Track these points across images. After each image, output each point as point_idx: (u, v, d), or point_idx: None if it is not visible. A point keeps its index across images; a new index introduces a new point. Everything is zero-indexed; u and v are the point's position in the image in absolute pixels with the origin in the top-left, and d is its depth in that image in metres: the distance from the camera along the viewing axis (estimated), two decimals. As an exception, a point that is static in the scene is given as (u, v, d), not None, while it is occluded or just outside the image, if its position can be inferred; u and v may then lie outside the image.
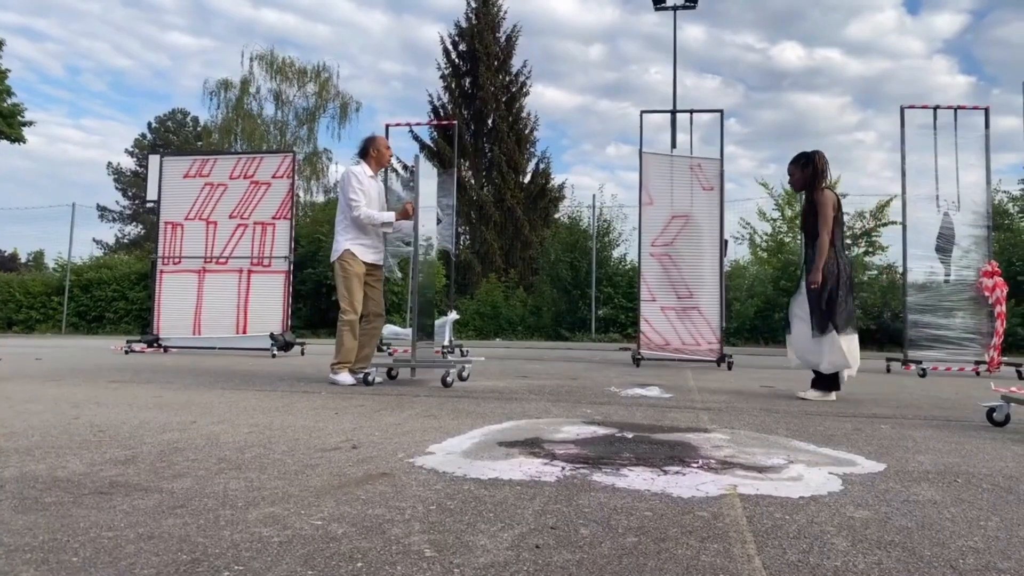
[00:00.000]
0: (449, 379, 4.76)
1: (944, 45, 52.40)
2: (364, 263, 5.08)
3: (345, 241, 5.05)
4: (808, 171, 4.62)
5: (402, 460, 2.31)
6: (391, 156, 5.30)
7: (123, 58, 62.59)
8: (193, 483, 1.95)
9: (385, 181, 7.39)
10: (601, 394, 4.53)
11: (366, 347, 5.15)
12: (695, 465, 2.30)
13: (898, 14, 51.90)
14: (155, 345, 8.70)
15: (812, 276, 4.44)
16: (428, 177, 5.18)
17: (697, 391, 4.87)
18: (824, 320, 4.42)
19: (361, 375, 4.87)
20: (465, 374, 5.29)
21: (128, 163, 44.60)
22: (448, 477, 2.07)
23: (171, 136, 44.75)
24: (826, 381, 4.49)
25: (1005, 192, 15.40)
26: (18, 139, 21.23)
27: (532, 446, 2.59)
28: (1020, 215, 15.78)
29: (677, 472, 2.19)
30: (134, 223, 43.90)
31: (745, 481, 2.08)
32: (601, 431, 2.97)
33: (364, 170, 5.09)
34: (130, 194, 44.02)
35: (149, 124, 46.18)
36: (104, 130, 67.21)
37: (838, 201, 4.58)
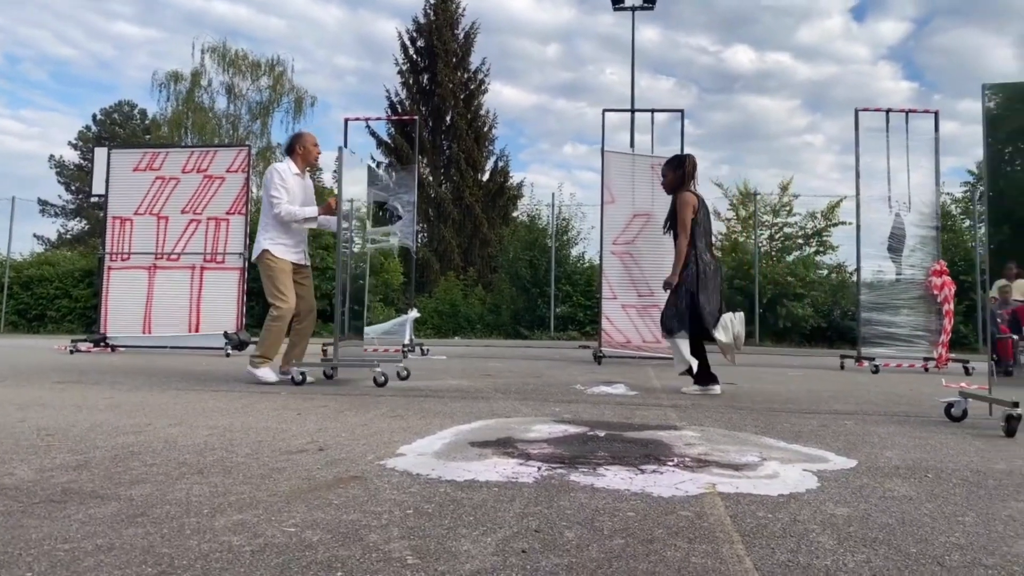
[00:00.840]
0: (380, 380, 4.63)
1: (888, 51, 54.02)
2: (287, 260, 4.95)
3: (264, 241, 4.92)
4: (679, 173, 4.76)
5: (372, 462, 2.23)
6: (319, 154, 5.19)
7: (66, 47, 60.33)
8: (153, 489, 1.85)
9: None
10: (567, 392, 4.50)
11: (298, 345, 5.04)
12: (671, 463, 2.28)
13: (845, 20, 53.32)
14: (102, 344, 8.37)
15: (668, 278, 4.65)
16: (352, 170, 5.08)
17: (661, 388, 4.89)
18: (668, 321, 4.61)
19: (291, 374, 4.75)
20: (404, 373, 5.20)
21: (71, 156, 43.04)
22: (422, 479, 2.01)
23: (118, 129, 43.33)
24: (703, 376, 4.60)
25: (948, 194, 15.94)
26: (-47, 129, 20.24)
27: (505, 446, 2.54)
28: (962, 217, 16.35)
29: (654, 471, 2.16)
30: (78, 218, 42.39)
31: (723, 479, 2.07)
32: (573, 430, 2.93)
33: (289, 167, 5.00)
34: (74, 188, 42.51)
35: (94, 116, 44.61)
36: (45, 121, 64.62)
37: (699, 203, 4.68)
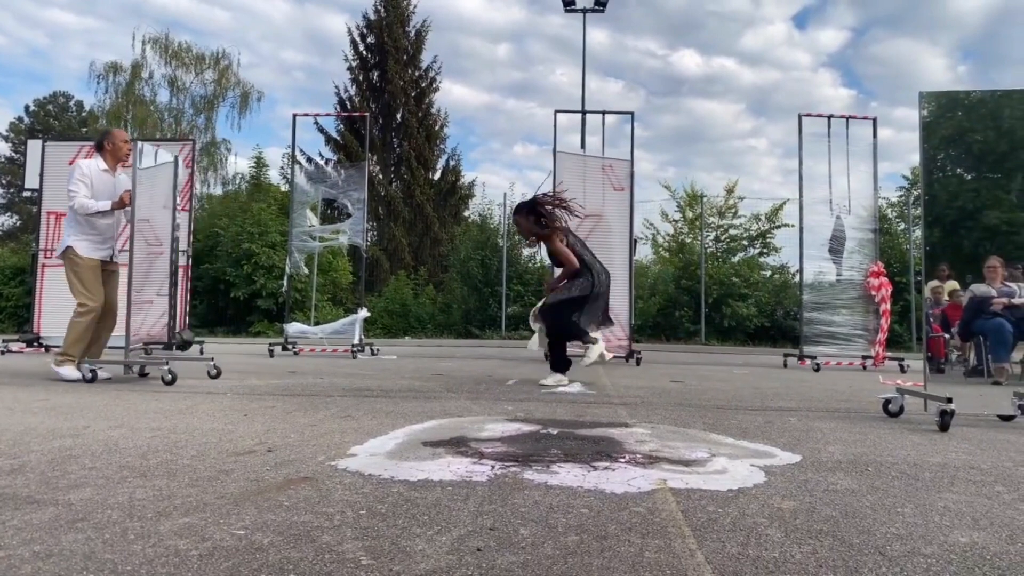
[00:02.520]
0: (168, 378, 4.56)
1: (828, 59, 55.71)
2: (92, 258, 4.93)
3: (70, 238, 4.89)
4: (532, 218, 5.00)
5: (323, 463, 2.20)
6: (129, 150, 5.12)
7: (-5, 34, 57.67)
8: (93, 493, 1.78)
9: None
10: (519, 391, 4.52)
11: (95, 343, 4.99)
12: (623, 460, 2.31)
13: (787, 28, 54.78)
14: (35, 345, 8.03)
15: (552, 282, 5.27)
16: (150, 162, 5.05)
17: (611, 386, 4.94)
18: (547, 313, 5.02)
19: (86, 371, 4.68)
20: (214, 372, 5.11)
21: (2, 148, 41.19)
22: (375, 480, 1.99)
23: (52, 121, 41.64)
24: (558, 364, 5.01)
25: (885, 198, 16.53)
26: None
27: (459, 445, 2.53)
28: (898, 220, 16.99)
29: (606, 468, 2.18)
30: (8, 213, 40.58)
31: (673, 475, 2.10)
32: (526, 428, 2.94)
33: (96, 164, 4.98)
34: (5, 182, 40.69)
35: (27, 107, 42.74)
36: (-29, 111, 61.68)
37: (564, 231, 5.05)
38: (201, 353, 8.14)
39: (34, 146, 8.81)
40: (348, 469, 2.11)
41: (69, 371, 4.73)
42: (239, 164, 32.45)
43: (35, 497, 1.74)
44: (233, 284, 15.01)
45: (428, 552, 1.38)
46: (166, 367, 4.60)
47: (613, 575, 1.29)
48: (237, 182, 26.14)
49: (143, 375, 5.07)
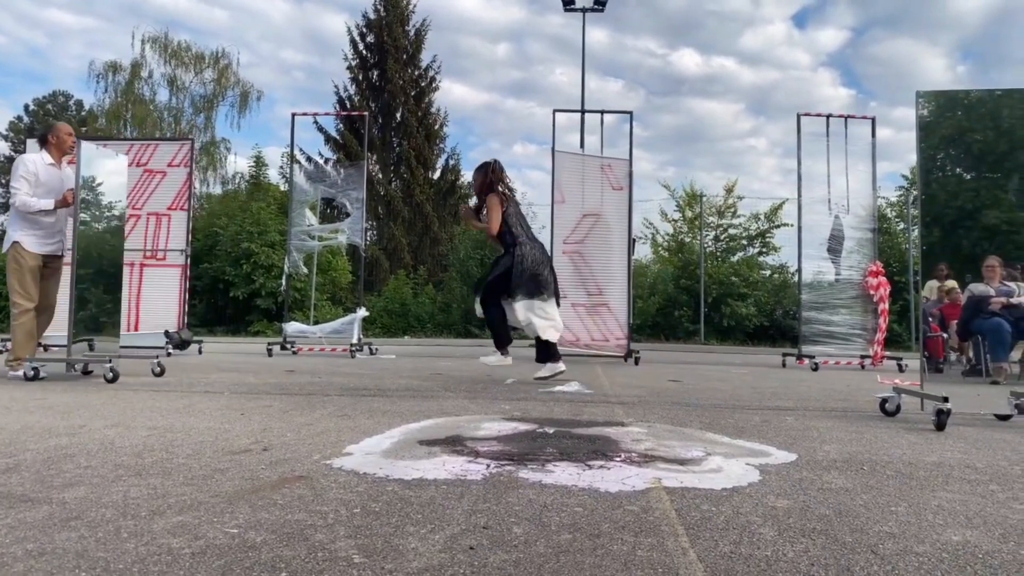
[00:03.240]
0: (110, 376, 4.60)
1: (828, 59, 55.66)
2: (39, 255, 4.94)
3: (14, 232, 4.92)
4: (486, 179, 5.20)
5: (319, 462, 2.20)
6: (73, 143, 5.16)
7: (-6, 33, 57.65)
8: (88, 492, 1.78)
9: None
10: (516, 390, 4.52)
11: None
12: (618, 459, 2.31)
13: (787, 27, 54.72)
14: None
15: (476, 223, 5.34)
16: (92, 162, 5.04)
17: (609, 386, 4.94)
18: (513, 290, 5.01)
19: (28, 368, 4.69)
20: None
21: (1, 147, 41.19)
22: (370, 478, 1.99)
23: (51, 119, 41.63)
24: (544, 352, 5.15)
25: (884, 198, 16.54)
26: None
27: (454, 444, 2.53)
28: (897, 220, 17.00)
29: (601, 466, 2.19)
30: (6, 212, 40.61)
31: (668, 474, 2.10)
32: (522, 427, 2.94)
33: (41, 158, 5.01)
34: (4, 181, 40.70)
35: (26, 106, 42.76)
36: (-29, 111, 61.62)
37: (508, 200, 5.16)
38: (200, 353, 8.14)
39: (33, 146, 8.79)
40: (343, 468, 2.11)
41: (24, 371, 4.76)
42: (238, 163, 32.46)
43: (29, 496, 1.74)
44: (232, 283, 15.02)
45: (421, 550, 1.39)
46: (108, 364, 4.63)
47: (605, 573, 1.29)
48: (236, 181, 26.16)
49: (86, 373, 5.08)
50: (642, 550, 1.41)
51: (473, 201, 5.37)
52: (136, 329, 8.00)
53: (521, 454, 2.36)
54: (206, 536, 1.45)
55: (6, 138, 41.76)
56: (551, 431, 2.86)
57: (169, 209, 8.24)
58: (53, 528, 1.48)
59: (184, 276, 8.17)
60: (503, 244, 5.11)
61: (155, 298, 8.09)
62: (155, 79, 26.75)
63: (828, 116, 8.22)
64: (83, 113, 38.23)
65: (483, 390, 4.49)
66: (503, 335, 5.15)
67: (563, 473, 2.08)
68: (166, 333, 7.81)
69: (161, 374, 5.13)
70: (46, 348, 5.02)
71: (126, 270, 8.09)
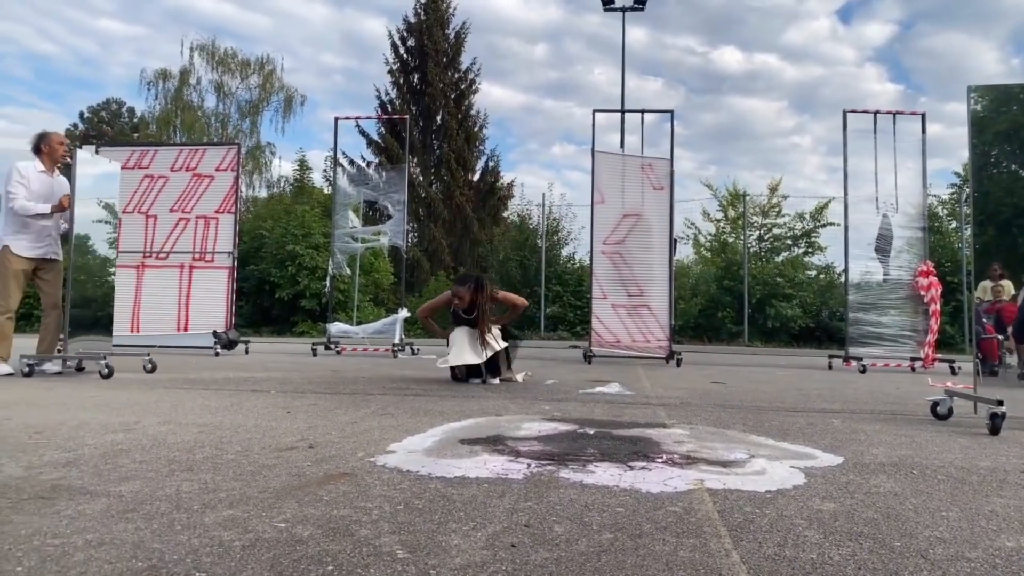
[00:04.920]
0: (105, 371, 4.82)
1: (874, 53, 54.27)
2: (25, 258, 5.11)
3: (4, 237, 5.09)
4: (479, 295, 5.02)
5: (363, 459, 2.24)
6: (64, 152, 5.36)
7: (48, 44, 59.75)
8: (142, 486, 1.84)
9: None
10: (557, 390, 4.52)
11: (44, 340, 5.23)
12: (660, 460, 2.30)
13: (831, 22, 53.52)
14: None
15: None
16: (88, 167, 5.29)
17: (650, 388, 4.91)
18: None
19: (23, 365, 4.94)
20: (149, 366, 5.31)
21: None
22: (413, 476, 2.02)
23: (105, 127, 43.03)
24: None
25: (935, 196, 16.07)
26: (-62, 126, 20.07)
27: (495, 443, 2.55)
28: (949, 218, 16.50)
29: (643, 468, 2.18)
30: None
31: (711, 476, 2.08)
32: (563, 428, 2.95)
33: (34, 166, 5.20)
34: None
35: (81, 114, 44.29)
36: (28, 119, 63.92)
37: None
38: (247, 353, 8.33)
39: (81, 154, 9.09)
40: (387, 465, 2.14)
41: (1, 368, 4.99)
42: (283, 167, 33.11)
43: (88, 488, 1.81)
44: (278, 285, 15.30)
45: (463, 547, 1.40)
46: (103, 361, 4.85)
47: (647, 573, 1.29)
48: (281, 185, 26.65)
49: (79, 369, 5.29)
50: (684, 551, 1.41)
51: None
52: (186, 329, 8.23)
53: (562, 454, 2.37)
54: (255, 530, 1.49)
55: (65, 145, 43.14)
56: (592, 432, 2.86)
57: (217, 212, 8.45)
58: (111, 520, 1.54)
59: (231, 277, 8.37)
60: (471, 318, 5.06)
61: (204, 299, 8.30)
62: (203, 86, 27.44)
63: (875, 112, 8.03)
64: (135, 120, 39.42)
65: (523, 391, 4.50)
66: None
67: (604, 473, 2.08)
68: (214, 333, 8.01)
69: (152, 371, 5.29)
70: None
71: (176, 272, 8.35)
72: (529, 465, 2.18)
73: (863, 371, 7.15)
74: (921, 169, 8.00)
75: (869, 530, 1.57)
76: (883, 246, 7.87)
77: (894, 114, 8.01)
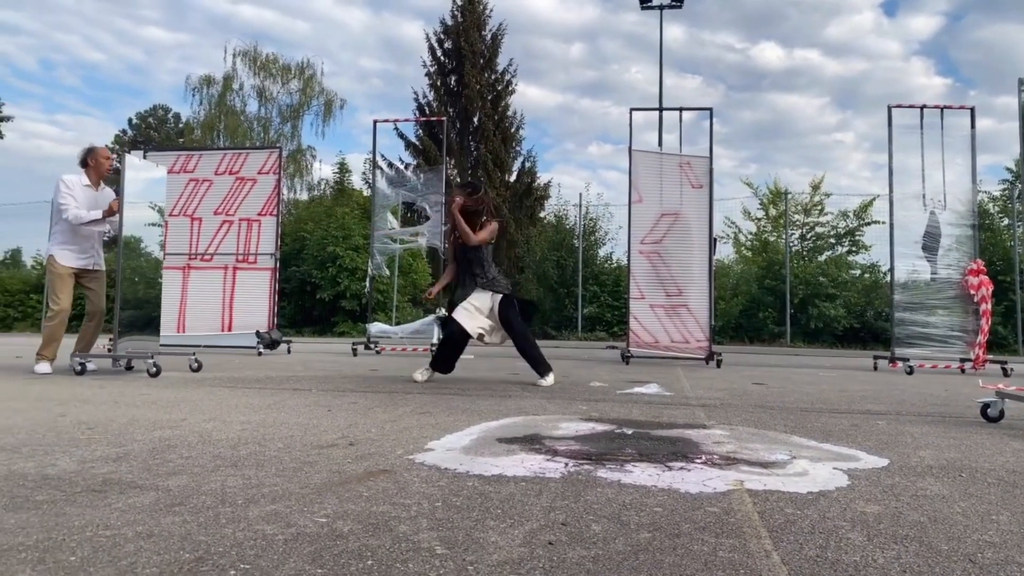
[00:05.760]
0: (152, 370, 4.98)
1: (921, 47, 52.93)
2: (69, 267, 5.34)
3: (52, 247, 5.39)
4: (482, 200, 5.04)
5: (402, 457, 2.26)
6: (110, 167, 5.57)
7: (97, 52, 61.67)
8: (189, 480, 1.90)
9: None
10: (595, 391, 4.50)
11: (83, 340, 5.43)
12: (699, 461, 2.28)
13: (875, 15, 52.34)
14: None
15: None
16: (136, 172, 5.48)
17: (689, 388, 4.86)
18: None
19: (76, 363, 5.14)
20: (195, 365, 5.46)
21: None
22: (451, 474, 2.03)
23: (152, 132, 44.23)
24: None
25: (985, 192, 15.60)
26: (-5, 134, 20.87)
27: (532, 442, 2.55)
28: (1001, 215, 15.98)
29: (682, 468, 2.16)
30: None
31: (751, 476, 2.06)
32: (600, 427, 2.94)
33: (80, 179, 5.38)
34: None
35: (130, 120, 45.64)
36: (79, 126, 66.23)
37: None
38: (288, 352, 8.47)
39: (131, 159, 9.37)
40: (425, 463, 2.16)
41: (42, 367, 5.20)
42: (323, 170, 33.58)
43: (137, 482, 1.86)
44: (319, 286, 15.55)
45: (501, 544, 1.41)
46: (151, 360, 5.02)
47: (685, 572, 1.28)
48: (322, 188, 27.05)
49: (129, 368, 5.47)
50: (723, 551, 1.39)
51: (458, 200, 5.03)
52: (229, 329, 8.41)
53: (599, 454, 2.36)
54: (297, 524, 1.52)
55: (112, 150, 44.48)
56: (630, 432, 2.85)
57: (259, 215, 8.62)
58: (159, 512, 1.58)
59: (274, 279, 8.54)
60: (469, 266, 5.00)
61: (247, 300, 8.48)
62: (245, 91, 27.99)
63: (922, 107, 7.82)
64: (180, 125, 40.43)
65: (560, 390, 4.50)
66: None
67: (642, 473, 2.07)
68: (257, 333, 8.17)
69: (198, 370, 5.44)
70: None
71: (220, 273, 8.54)
72: (566, 464, 2.18)
73: (910, 372, 6.98)
74: (971, 165, 7.77)
75: (915, 533, 1.54)
76: (931, 244, 7.66)
77: (942, 108, 7.80)
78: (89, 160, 5.44)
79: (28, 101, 63.75)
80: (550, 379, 4.82)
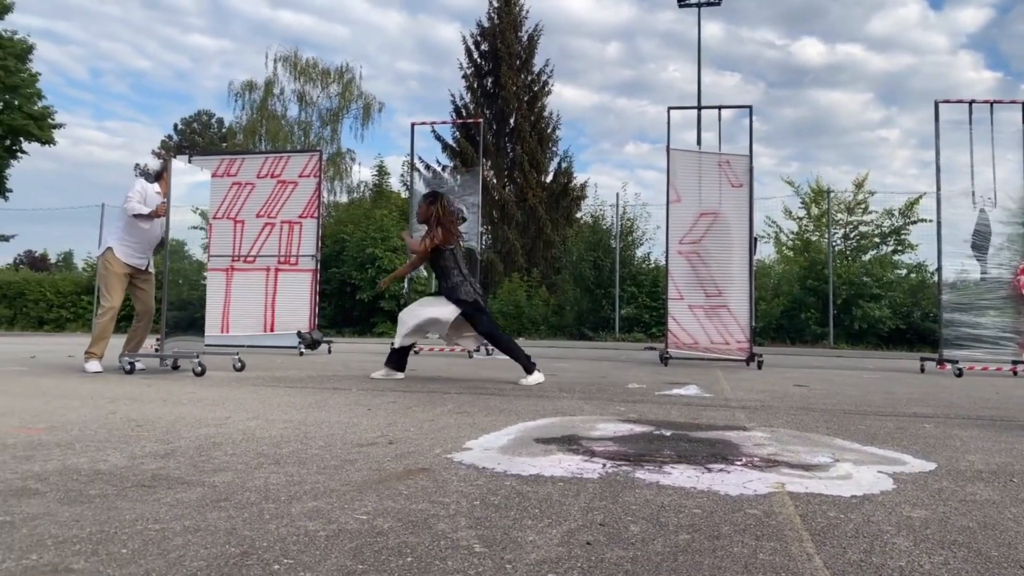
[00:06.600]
0: (198, 369, 5.12)
1: (969, 40, 51.43)
2: (125, 264, 5.50)
3: (111, 239, 5.55)
4: (431, 209, 5.14)
5: (440, 456, 2.28)
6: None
7: (144, 60, 63.45)
8: (233, 477, 1.94)
9: (412, 183, 7.36)
10: (633, 392, 4.48)
11: (132, 340, 5.58)
12: (739, 463, 2.25)
13: (921, 8, 51.02)
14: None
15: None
16: (179, 177, 5.51)
17: (730, 390, 4.80)
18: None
19: (125, 363, 5.26)
20: (239, 365, 5.59)
21: (155, 164, 45.20)
22: (488, 473, 2.05)
23: (197, 137, 45.30)
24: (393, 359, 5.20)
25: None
26: (48, 141, 21.59)
27: (570, 443, 2.55)
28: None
29: (721, 470, 2.14)
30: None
31: (793, 479, 2.03)
32: (638, 429, 2.92)
33: (152, 187, 5.62)
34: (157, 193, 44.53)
35: (175, 126, 46.84)
36: (127, 132, 68.30)
37: (453, 236, 5.20)
38: (329, 352, 8.60)
39: (178, 165, 9.61)
40: (463, 462, 2.18)
41: (92, 365, 5.34)
42: (362, 173, 33.98)
43: (184, 478, 1.92)
44: (358, 287, 15.74)
45: (539, 543, 1.42)
46: (196, 360, 5.16)
47: (725, 574, 1.27)
48: (361, 190, 27.39)
49: (175, 368, 5.61)
50: (764, 554, 1.38)
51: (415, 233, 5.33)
52: (271, 330, 8.57)
53: (637, 455, 2.35)
54: (338, 521, 1.54)
55: (158, 155, 45.75)
56: (668, 433, 2.82)
57: (300, 217, 8.77)
58: (205, 508, 1.63)
59: (314, 280, 8.67)
60: (439, 272, 5.18)
61: (288, 301, 8.63)
62: (286, 95, 28.48)
63: (971, 102, 7.60)
64: (223, 130, 41.30)
65: (598, 392, 4.48)
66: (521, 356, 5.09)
67: (681, 475, 2.06)
68: (299, 333, 8.31)
69: (241, 369, 5.57)
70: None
71: (262, 274, 8.71)
72: (604, 465, 2.17)
73: (959, 374, 6.78)
74: (1022, 161, 7.52)
75: (964, 539, 1.50)
76: (980, 243, 7.44)
77: (991, 103, 7.57)
78: (164, 174, 5.67)
79: (79, 108, 65.95)
80: (533, 378, 4.90)
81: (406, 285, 9.58)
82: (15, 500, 1.67)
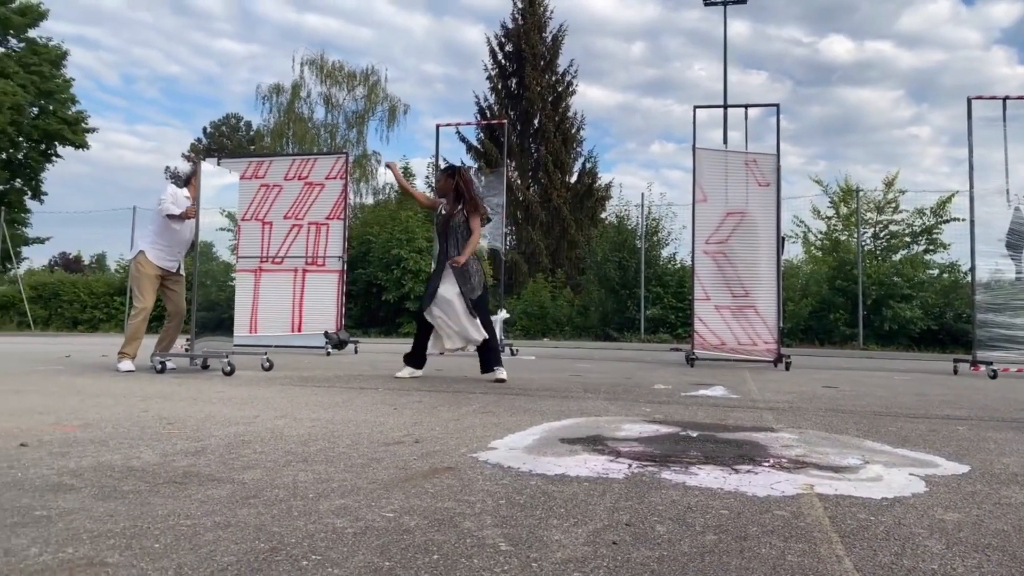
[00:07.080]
0: (227, 369, 5.20)
1: (1002, 35, 50.31)
2: (157, 266, 5.61)
3: (143, 242, 5.69)
4: (453, 180, 5.17)
5: (465, 455, 2.29)
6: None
7: (174, 65, 64.52)
8: (263, 474, 1.97)
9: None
10: (658, 393, 4.46)
11: (164, 340, 5.70)
12: (766, 464, 2.23)
13: (952, 3, 50.02)
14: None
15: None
16: (208, 179, 5.64)
17: (757, 391, 4.76)
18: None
19: (156, 363, 5.35)
20: (267, 364, 5.70)
21: (186, 167, 45.94)
22: (514, 472, 2.05)
23: (225, 140, 45.93)
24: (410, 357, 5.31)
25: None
26: (82, 145, 22.06)
27: (595, 443, 2.55)
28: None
29: (749, 471, 2.12)
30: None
31: (822, 481, 2.00)
32: (664, 429, 2.91)
33: (183, 192, 5.71)
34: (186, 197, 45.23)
35: (204, 129, 47.56)
36: (158, 136, 69.50)
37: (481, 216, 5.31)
38: (355, 352, 8.67)
39: (207, 168, 9.76)
40: (489, 461, 2.19)
41: (125, 365, 5.45)
42: (388, 175, 34.16)
43: (215, 476, 1.95)
44: (384, 288, 15.85)
45: (564, 542, 1.42)
46: (225, 360, 5.24)
47: (752, 575, 1.26)
48: (387, 192, 27.54)
49: (205, 367, 5.72)
50: (792, 555, 1.36)
51: (430, 194, 5.30)
52: (299, 330, 8.66)
53: (663, 456, 2.34)
54: (365, 518, 1.56)
55: (189, 159, 46.47)
56: (695, 435, 2.81)
57: (327, 219, 8.85)
58: (235, 504, 1.65)
59: (341, 281, 8.75)
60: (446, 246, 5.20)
61: (316, 301, 8.72)
62: (312, 98, 28.76)
63: (1005, 98, 7.45)
64: (251, 133, 41.81)
65: (623, 392, 4.46)
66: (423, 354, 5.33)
67: (707, 476, 2.04)
68: (326, 334, 8.39)
69: (270, 369, 5.66)
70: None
71: (290, 275, 8.81)
72: (630, 465, 2.17)
73: (994, 376, 6.65)
74: (1060, 157, 7.35)
75: (998, 542, 1.47)
76: (1016, 242, 7.29)
77: (1027, 99, 7.40)
78: (192, 179, 5.80)
79: (111, 113, 67.32)
80: (405, 371, 5.24)
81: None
82: (51, 495, 1.71)
